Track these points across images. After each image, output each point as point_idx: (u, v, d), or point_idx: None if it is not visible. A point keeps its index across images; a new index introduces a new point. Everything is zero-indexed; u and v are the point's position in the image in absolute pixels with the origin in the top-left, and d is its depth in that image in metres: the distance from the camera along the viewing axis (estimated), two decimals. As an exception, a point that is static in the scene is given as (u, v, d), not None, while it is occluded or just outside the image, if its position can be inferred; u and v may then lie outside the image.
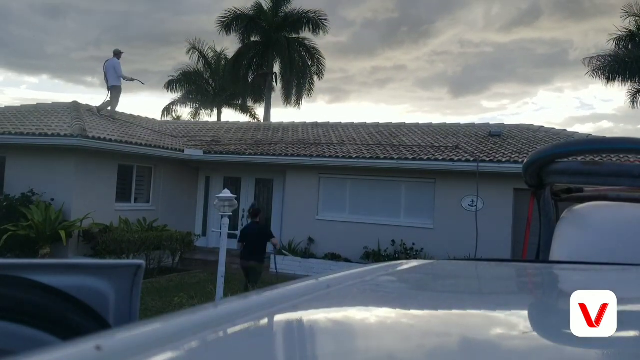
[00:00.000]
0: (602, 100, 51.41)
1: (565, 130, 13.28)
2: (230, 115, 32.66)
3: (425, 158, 11.79)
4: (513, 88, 51.28)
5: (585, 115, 53.07)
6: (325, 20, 24.67)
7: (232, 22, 24.94)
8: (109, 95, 13.80)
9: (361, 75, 48.46)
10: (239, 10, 24.92)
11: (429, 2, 46.30)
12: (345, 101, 51.12)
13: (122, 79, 13.62)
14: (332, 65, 50.65)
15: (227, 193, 7.22)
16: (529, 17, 41.72)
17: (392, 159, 12.00)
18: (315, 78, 26.19)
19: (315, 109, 62.14)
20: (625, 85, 21.43)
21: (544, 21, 40.60)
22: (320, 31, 24.70)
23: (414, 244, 11.85)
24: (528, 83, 49.62)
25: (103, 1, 47.56)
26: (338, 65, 50.72)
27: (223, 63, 28.99)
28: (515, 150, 11.80)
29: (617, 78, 20.70)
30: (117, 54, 13.66)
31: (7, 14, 47.55)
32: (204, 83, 30.42)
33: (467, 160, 11.37)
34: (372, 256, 11.86)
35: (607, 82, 20.80)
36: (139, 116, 17.07)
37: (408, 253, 11.71)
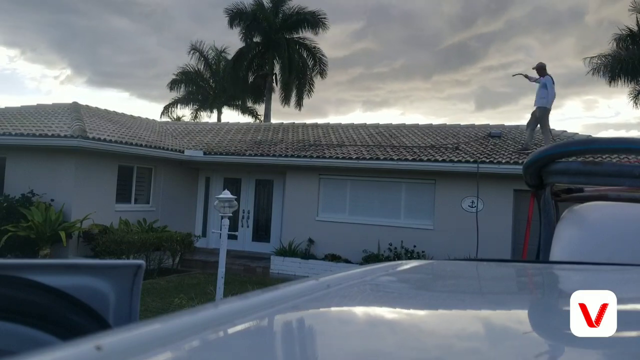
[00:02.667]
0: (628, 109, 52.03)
1: (565, 131, 13.28)
2: (230, 116, 32.71)
3: (425, 159, 11.79)
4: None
5: (617, 123, 53.57)
6: (325, 19, 24.69)
7: (236, 16, 24.92)
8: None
9: (405, 90, 51.90)
10: (244, 7, 24.89)
11: (492, 34, 48.61)
12: (379, 111, 53.48)
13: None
14: (375, 84, 52.61)
15: (227, 194, 7.22)
16: (584, 49, 43.18)
17: (392, 159, 12.00)
18: (318, 77, 26.14)
19: (348, 119, 63.84)
20: (627, 85, 21.39)
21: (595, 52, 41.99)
22: (320, 30, 24.72)
23: (415, 246, 11.84)
24: (564, 95, 50.83)
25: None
26: (379, 85, 53.25)
27: (223, 64, 29.01)
28: (515, 151, 11.80)
29: (618, 78, 20.67)
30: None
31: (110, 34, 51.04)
32: (204, 84, 30.45)
33: (467, 161, 11.37)
34: (372, 257, 11.86)
35: (610, 83, 20.78)
36: (139, 117, 17.08)
37: (408, 254, 11.70)
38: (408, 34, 48.81)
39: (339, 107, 52.96)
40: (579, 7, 41.91)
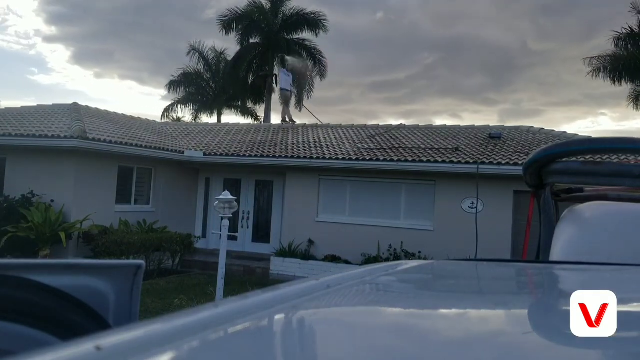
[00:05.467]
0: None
1: (565, 132, 13.29)
2: (230, 117, 32.68)
3: (425, 160, 11.78)
4: (583, 110, 54.16)
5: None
6: (325, 20, 24.70)
7: (232, 22, 24.93)
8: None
9: (435, 105, 54.23)
10: (240, 11, 24.91)
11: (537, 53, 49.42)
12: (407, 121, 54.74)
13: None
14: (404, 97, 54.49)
15: (227, 195, 7.22)
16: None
17: (392, 160, 12.00)
18: (318, 79, 26.12)
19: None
20: (627, 85, 21.37)
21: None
22: (320, 31, 24.73)
23: (415, 247, 11.83)
24: (598, 106, 52.01)
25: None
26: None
27: (223, 64, 29.01)
28: (515, 152, 11.80)
29: (617, 79, 20.66)
30: None
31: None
32: (204, 84, 30.43)
33: (467, 162, 11.37)
34: (372, 258, 11.84)
35: (611, 83, 20.78)
36: (139, 117, 17.07)
37: (408, 255, 11.69)
38: (477, 60, 50.92)
39: (369, 118, 54.07)
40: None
